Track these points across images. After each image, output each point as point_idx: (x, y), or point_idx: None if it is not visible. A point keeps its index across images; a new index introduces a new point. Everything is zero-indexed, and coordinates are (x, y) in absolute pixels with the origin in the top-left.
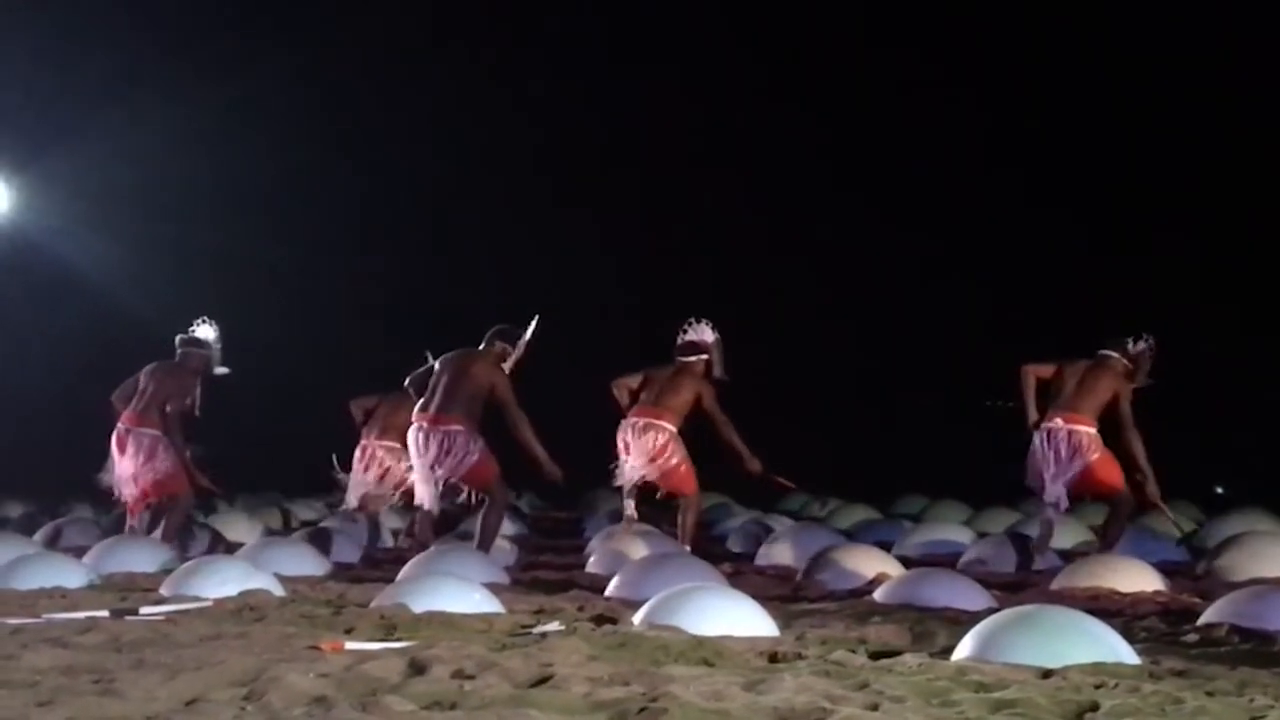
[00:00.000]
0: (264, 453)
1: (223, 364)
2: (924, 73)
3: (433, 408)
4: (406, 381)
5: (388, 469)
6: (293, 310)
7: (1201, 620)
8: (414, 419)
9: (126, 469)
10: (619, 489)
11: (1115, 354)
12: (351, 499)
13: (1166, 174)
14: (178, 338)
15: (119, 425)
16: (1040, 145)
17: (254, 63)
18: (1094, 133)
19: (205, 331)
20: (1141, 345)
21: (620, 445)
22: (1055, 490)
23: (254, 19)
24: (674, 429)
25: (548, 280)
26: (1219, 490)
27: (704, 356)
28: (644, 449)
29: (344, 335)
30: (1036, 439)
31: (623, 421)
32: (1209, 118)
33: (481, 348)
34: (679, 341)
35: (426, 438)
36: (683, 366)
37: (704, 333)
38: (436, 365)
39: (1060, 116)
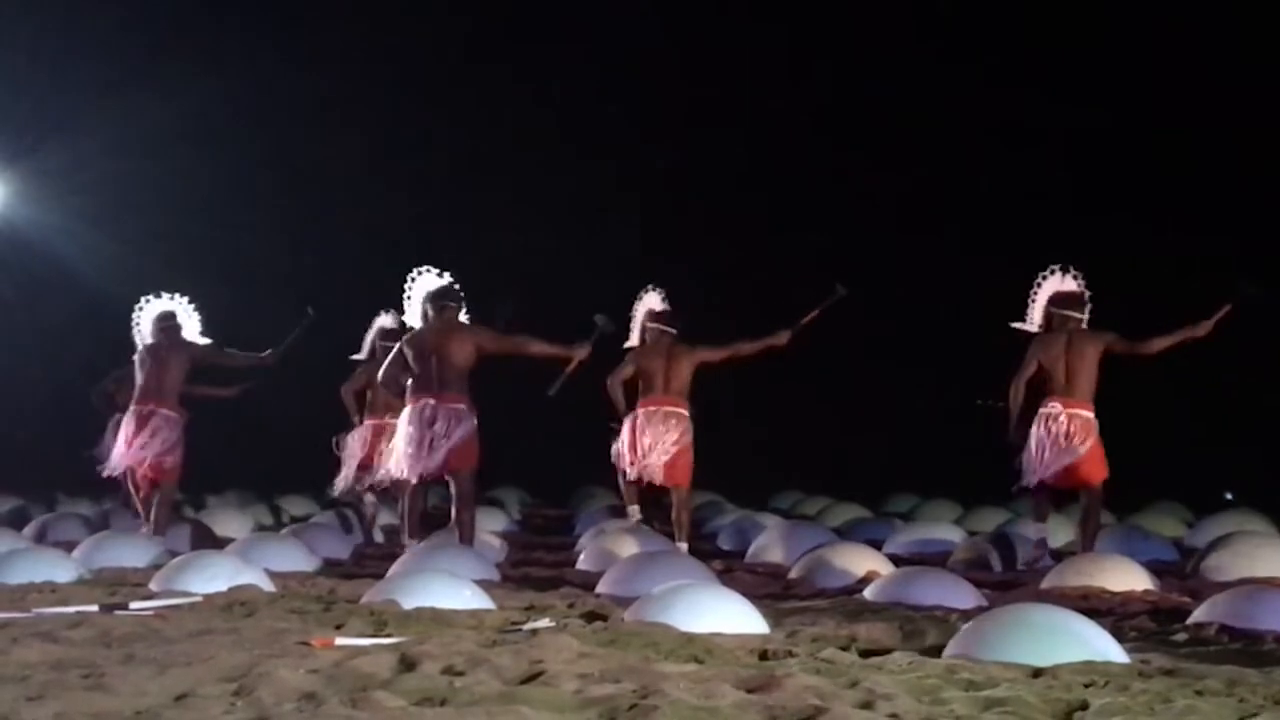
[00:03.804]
0: (255, 447)
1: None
2: (931, 64)
3: (434, 386)
4: (380, 377)
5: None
6: (287, 304)
7: (1191, 619)
8: (414, 398)
9: (138, 447)
10: (632, 484)
11: (1070, 314)
12: (342, 482)
13: (1177, 172)
14: (149, 325)
15: (140, 407)
16: (1028, 146)
17: (250, 57)
18: (1098, 133)
19: (158, 306)
20: (1072, 284)
21: (630, 438)
22: (1038, 474)
23: (249, 13)
24: (689, 414)
25: (548, 275)
26: (1228, 496)
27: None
28: (664, 438)
29: (339, 330)
30: (1036, 427)
31: (632, 413)
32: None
33: (439, 316)
34: (649, 315)
35: (435, 413)
36: (670, 343)
37: (658, 301)
38: (409, 349)
39: (1050, 122)
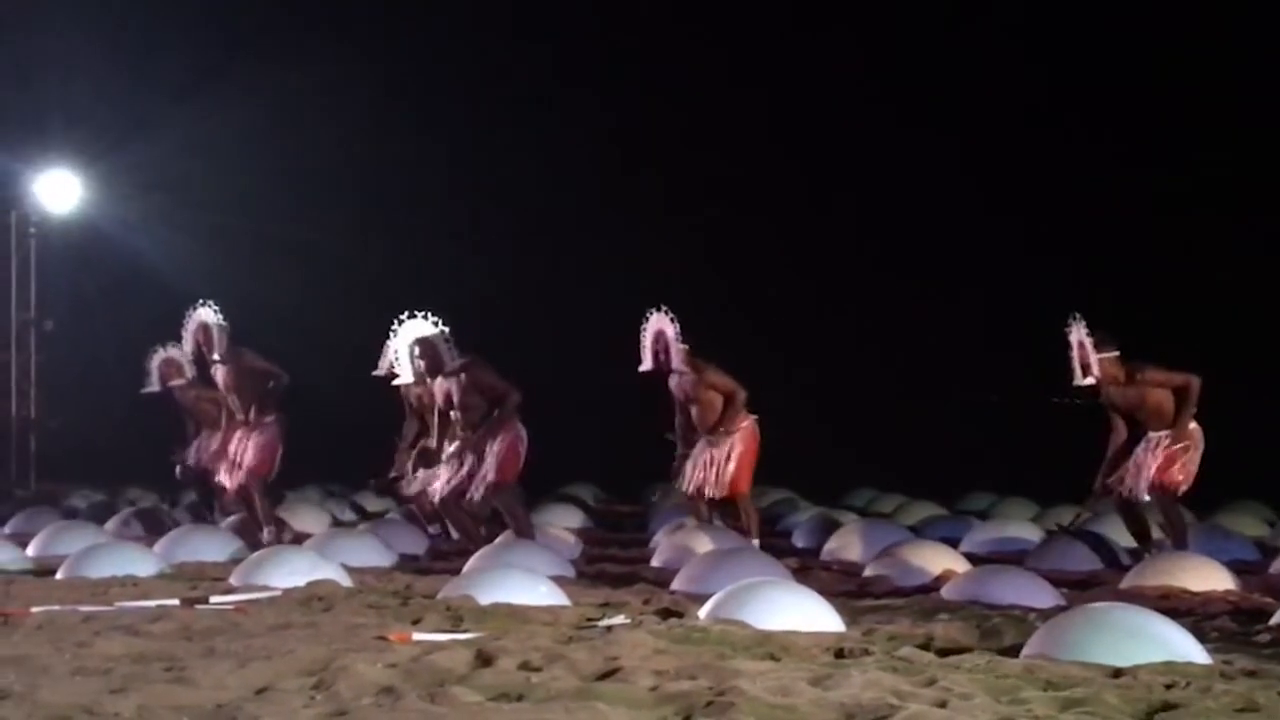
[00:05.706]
0: (333, 443)
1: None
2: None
3: None
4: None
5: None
6: (366, 302)
7: (1274, 620)
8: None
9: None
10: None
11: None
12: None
13: (1219, 163)
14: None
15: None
16: (1101, 131)
17: (328, 55)
18: (1152, 127)
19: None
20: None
21: None
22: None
23: (327, 11)
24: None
25: (631, 274)
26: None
27: None
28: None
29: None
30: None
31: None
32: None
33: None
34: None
35: None
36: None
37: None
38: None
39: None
